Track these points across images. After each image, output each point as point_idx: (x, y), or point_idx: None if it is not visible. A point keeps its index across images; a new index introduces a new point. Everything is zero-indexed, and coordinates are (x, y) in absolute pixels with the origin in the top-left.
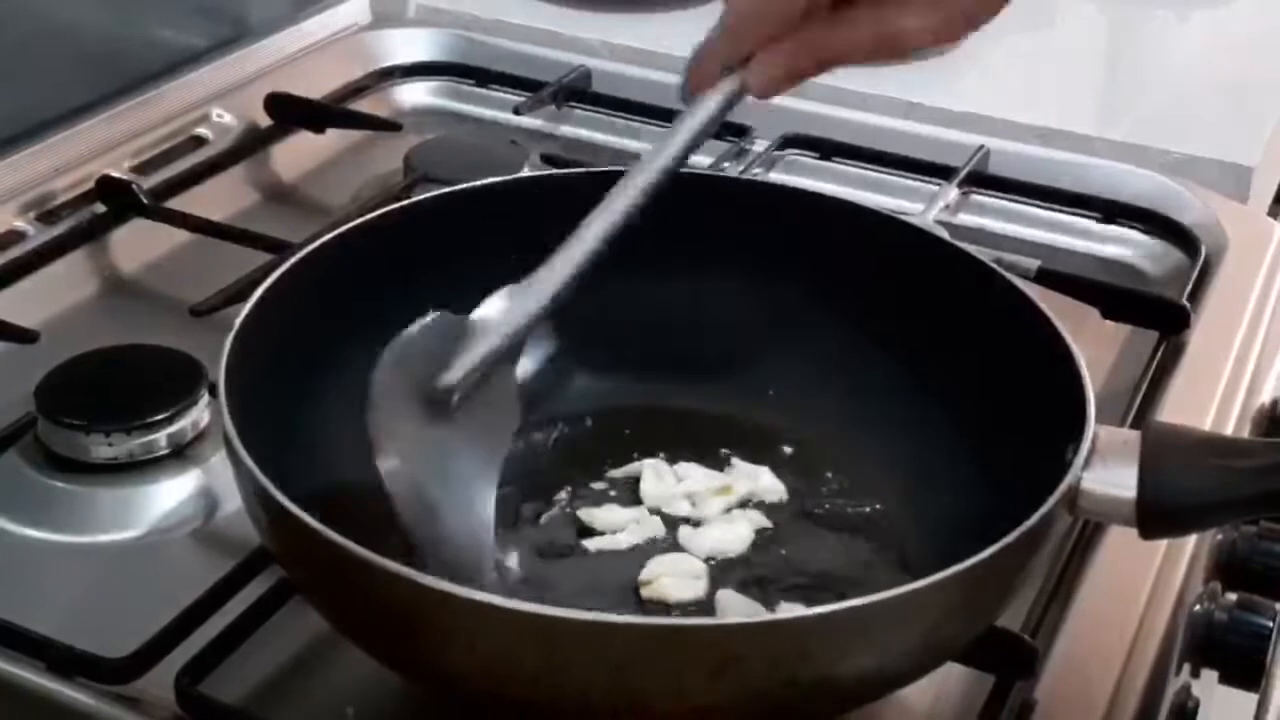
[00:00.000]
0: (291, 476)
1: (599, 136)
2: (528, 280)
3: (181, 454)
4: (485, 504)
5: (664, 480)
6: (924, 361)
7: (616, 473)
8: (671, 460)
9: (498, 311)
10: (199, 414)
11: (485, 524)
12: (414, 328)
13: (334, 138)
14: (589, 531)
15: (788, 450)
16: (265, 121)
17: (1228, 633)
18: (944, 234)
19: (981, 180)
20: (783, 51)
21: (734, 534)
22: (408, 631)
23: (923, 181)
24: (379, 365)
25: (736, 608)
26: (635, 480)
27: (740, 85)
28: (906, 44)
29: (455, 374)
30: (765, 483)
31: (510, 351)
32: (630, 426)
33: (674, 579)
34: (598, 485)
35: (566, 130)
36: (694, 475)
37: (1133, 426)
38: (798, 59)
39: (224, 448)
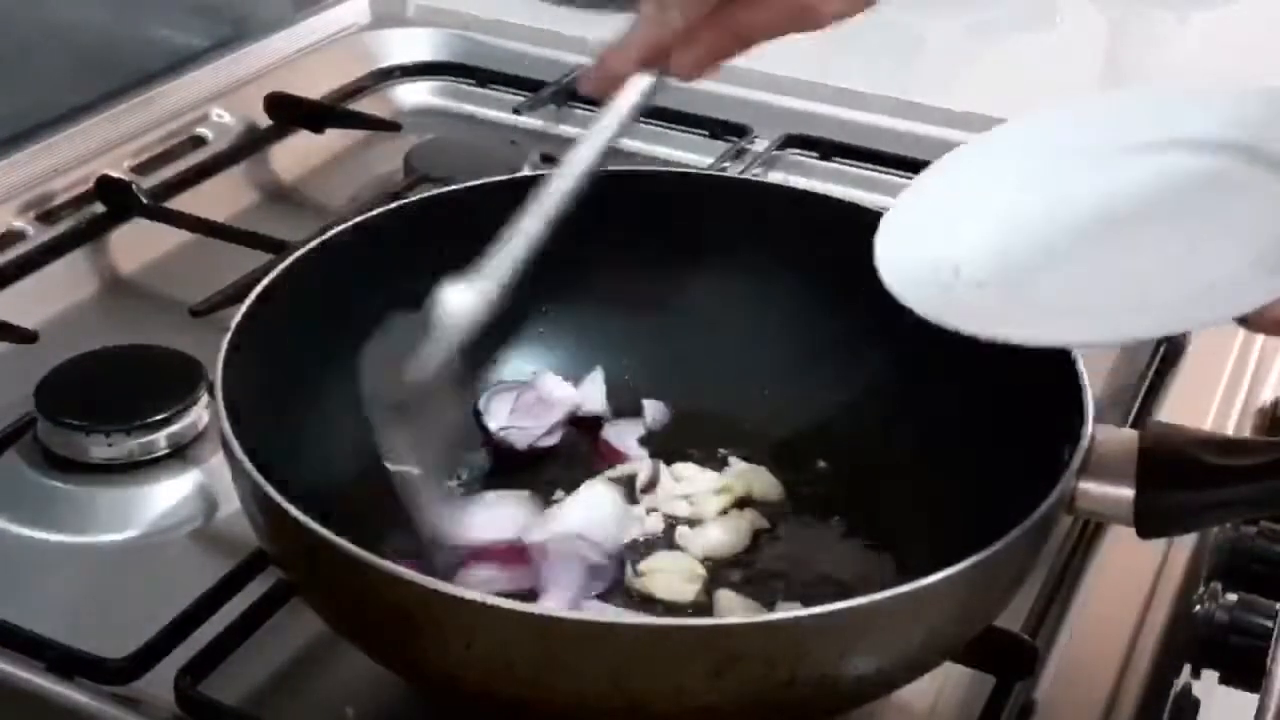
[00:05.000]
0: (289, 477)
1: None
2: (474, 273)
3: (181, 454)
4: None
5: (661, 481)
6: (923, 362)
7: (613, 473)
8: (668, 461)
9: (452, 307)
10: (198, 414)
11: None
12: (380, 333)
13: (333, 138)
14: None
15: (784, 450)
16: (265, 121)
17: (1228, 633)
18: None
19: None
20: (703, 35)
21: (732, 534)
22: (405, 632)
23: None
24: (361, 376)
25: (735, 607)
26: (631, 479)
27: (659, 72)
28: (820, 17)
29: (422, 372)
30: (763, 482)
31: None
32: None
33: (668, 576)
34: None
35: (566, 130)
36: (691, 476)
37: (1133, 427)
38: (719, 40)
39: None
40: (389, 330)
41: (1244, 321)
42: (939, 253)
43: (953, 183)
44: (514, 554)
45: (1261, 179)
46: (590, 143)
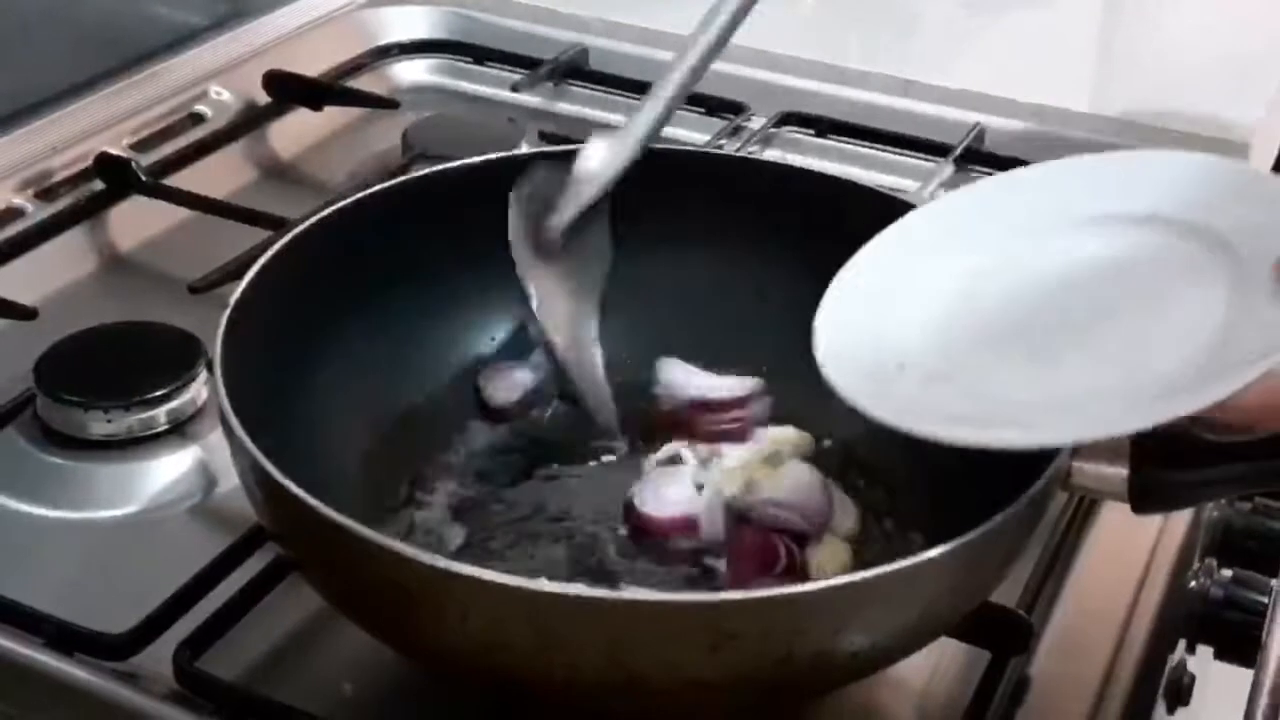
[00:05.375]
0: (287, 452)
1: (596, 114)
2: (619, 129)
3: (180, 430)
4: (591, 342)
5: (709, 464)
6: None
7: (657, 457)
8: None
9: (596, 160)
10: (197, 390)
11: (594, 360)
12: (527, 179)
13: (332, 115)
14: None
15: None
16: (263, 99)
17: (1223, 608)
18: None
19: (978, 157)
20: None
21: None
22: (403, 607)
23: (919, 159)
24: (510, 216)
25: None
26: (674, 459)
27: None
28: None
29: (561, 218)
30: (795, 437)
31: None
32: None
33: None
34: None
35: (564, 108)
36: (726, 450)
37: None
38: None
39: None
40: (534, 177)
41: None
42: (880, 344)
43: (890, 263)
44: (687, 526)
45: (1201, 257)
46: (721, 16)
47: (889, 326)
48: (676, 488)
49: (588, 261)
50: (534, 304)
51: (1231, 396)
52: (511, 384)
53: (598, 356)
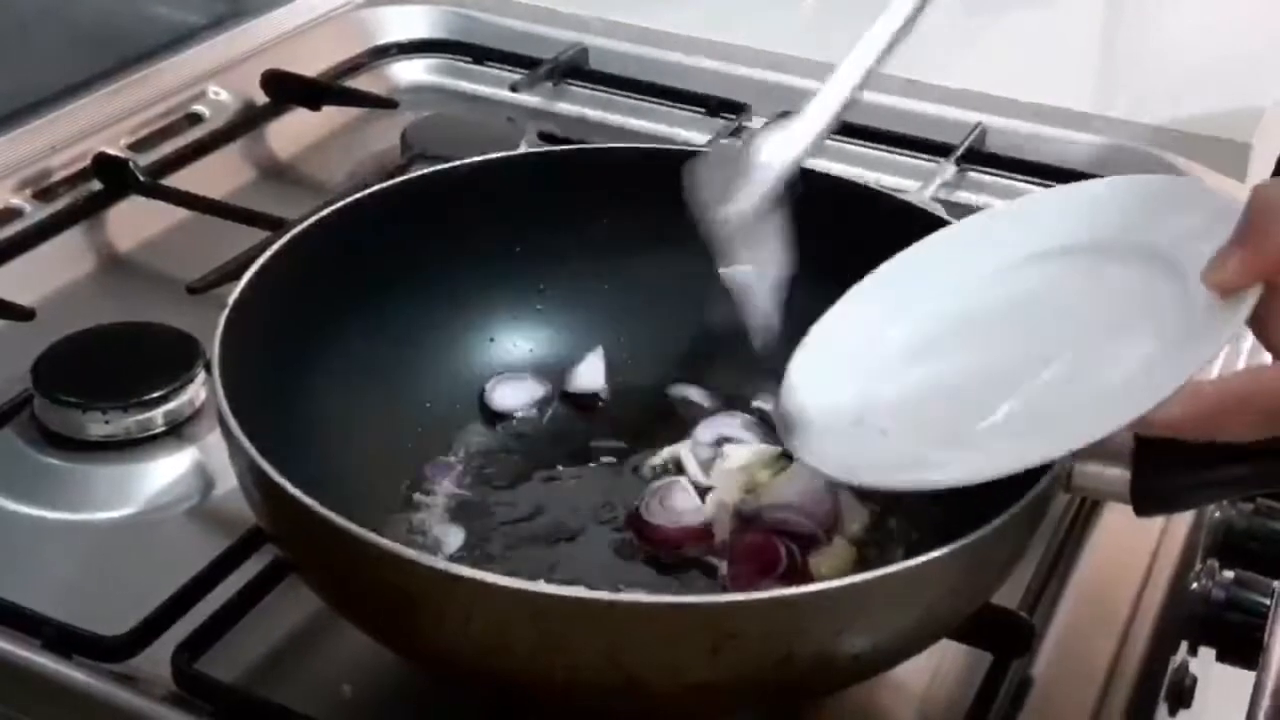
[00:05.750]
0: (286, 454)
1: (596, 114)
2: (797, 117)
3: (178, 431)
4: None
5: (711, 467)
6: None
7: (655, 459)
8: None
9: (772, 146)
10: (195, 391)
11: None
12: (705, 155)
13: (330, 115)
14: None
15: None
16: (262, 99)
17: (1225, 610)
18: (941, 211)
19: (979, 157)
20: None
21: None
22: (402, 609)
23: (920, 159)
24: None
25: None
26: (676, 462)
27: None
28: None
29: (733, 207)
30: None
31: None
32: (638, 409)
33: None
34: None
35: (563, 107)
36: (728, 451)
37: None
38: None
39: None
40: (719, 152)
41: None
42: (840, 402)
43: (846, 329)
44: (699, 536)
45: (1143, 275)
46: (888, 20)
47: (846, 388)
48: (682, 496)
49: (761, 259)
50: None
51: (1147, 413)
52: (518, 391)
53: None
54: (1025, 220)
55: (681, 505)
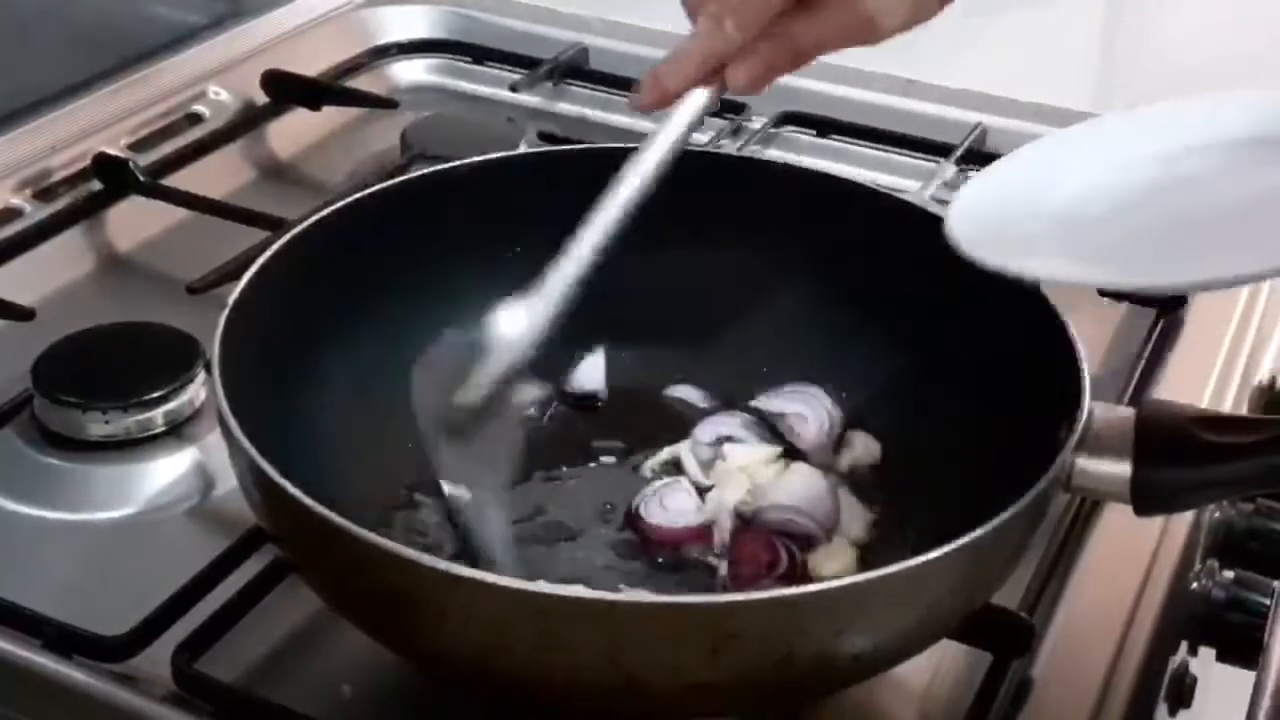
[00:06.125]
0: (286, 454)
1: (596, 114)
2: (533, 292)
3: (178, 431)
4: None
5: (711, 467)
6: (920, 340)
7: (654, 460)
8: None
9: (514, 327)
10: (195, 391)
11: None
12: (434, 348)
13: (330, 115)
14: None
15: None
16: (262, 99)
17: (1225, 610)
18: (942, 211)
19: (979, 157)
20: (760, 50)
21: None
22: (402, 609)
23: (920, 159)
24: (413, 393)
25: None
26: (676, 462)
27: (717, 87)
28: (880, 30)
29: (473, 393)
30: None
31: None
32: (638, 410)
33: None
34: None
35: (563, 107)
36: (730, 451)
37: (1130, 404)
38: (775, 55)
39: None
40: (441, 347)
41: None
42: (1009, 208)
43: (1029, 162)
44: (698, 536)
45: None
46: (643, 162)
47: (1021, 196)
48: (681, 497)
49: (502, 435)
50: (446, 489)
51: None
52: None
53: (507, 529)
54: (1181, 115)
55: (681, 505)
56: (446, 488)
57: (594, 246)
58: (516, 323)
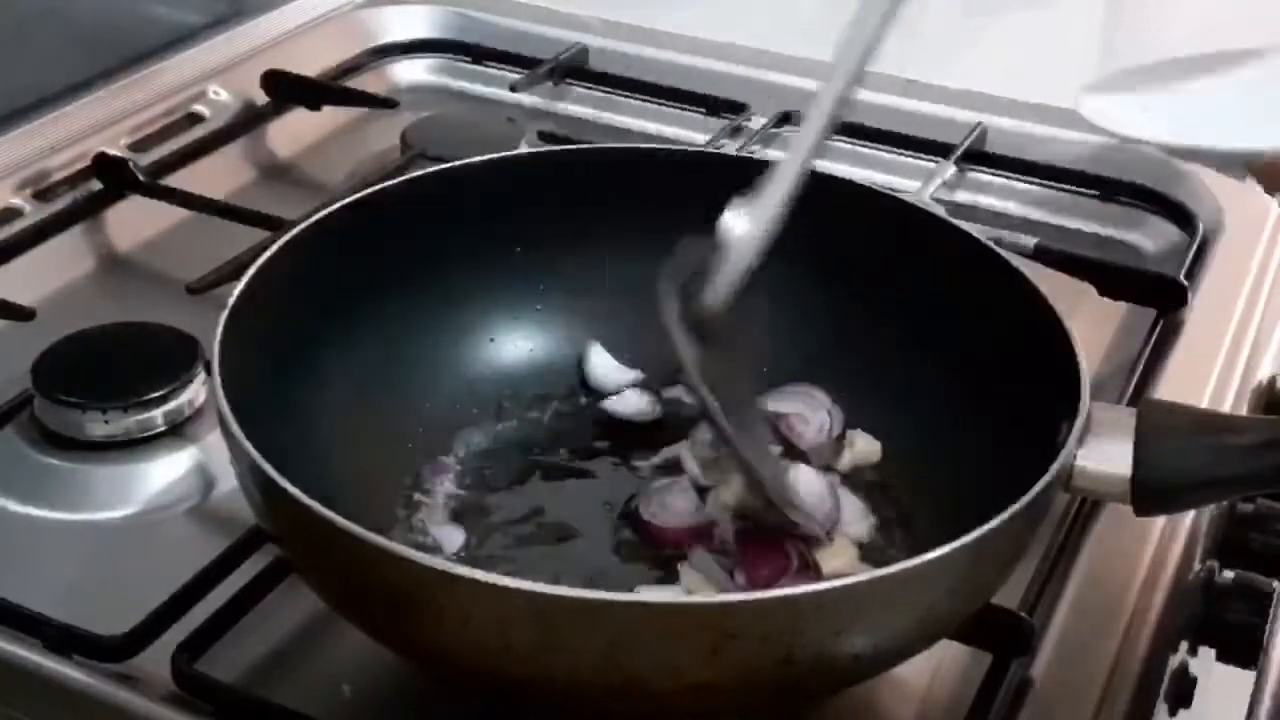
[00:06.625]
0: (286, 454)
1: (596, 114)
2: (757, 193)
3: (178, 431)
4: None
5: (711, 468)
6: (920, 340)
7: (656, 459)
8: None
9: (740, 226)
10: (195, 391)
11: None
12: (673, 259)
13: (330, 115)
14: None
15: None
16: (262, 99)
17: (1225, 610)
18: (941, 211)
19: (979, 157)
20: None
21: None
22: (403, 610)
23: (920, 159)
24: (661, 300)
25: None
26: (675, 463)
27: None
28: None
29: (715, 293)
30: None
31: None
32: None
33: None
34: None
35: (563, 107)
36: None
37: (1130, 404)
38: None
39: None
40: (682, 253)
41: None
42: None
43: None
44: (699, 536)
45: None
46: (844, 64)
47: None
48: (682, 497)
49: (747, 334)
50: (704, 394)
51: None
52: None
53: (767, 433)
54: None
55: (681, 505)
56: (701, 391)
57: (804, 156)
58: (744, 225)
